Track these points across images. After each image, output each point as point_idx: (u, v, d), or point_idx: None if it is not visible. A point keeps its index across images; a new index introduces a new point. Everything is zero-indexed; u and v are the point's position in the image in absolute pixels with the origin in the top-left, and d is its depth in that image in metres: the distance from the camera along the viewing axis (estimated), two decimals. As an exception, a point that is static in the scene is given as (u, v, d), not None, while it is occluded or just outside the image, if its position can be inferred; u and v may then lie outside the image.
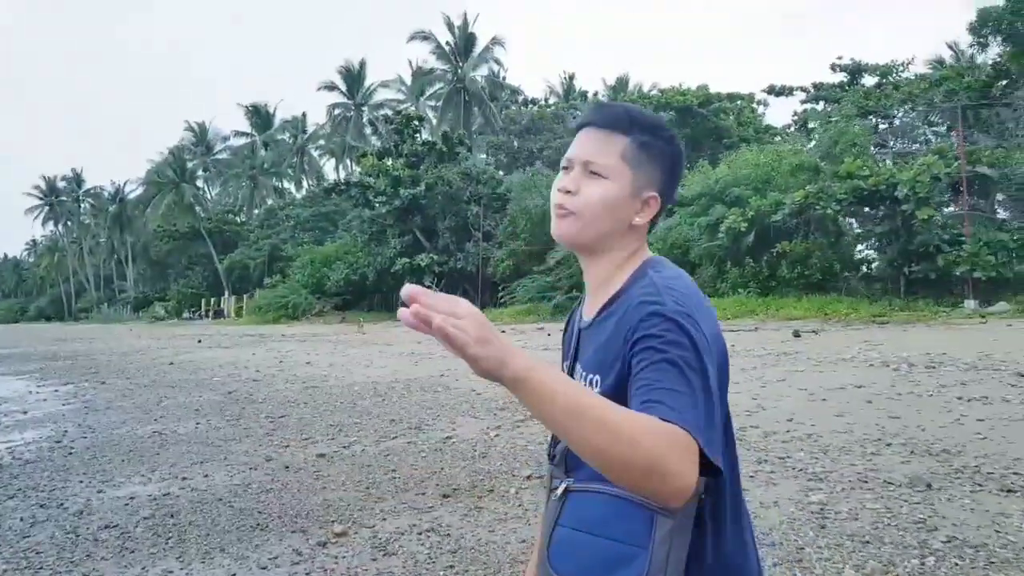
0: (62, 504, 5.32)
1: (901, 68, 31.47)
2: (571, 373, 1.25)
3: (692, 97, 35.52)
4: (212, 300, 57.69)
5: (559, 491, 1.14)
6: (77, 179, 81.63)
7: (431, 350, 17.83)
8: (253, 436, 7.68)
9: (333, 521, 4.57)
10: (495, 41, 47.54)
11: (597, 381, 1.14)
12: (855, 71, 34.62)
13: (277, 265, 50.95)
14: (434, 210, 37.30)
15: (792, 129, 36.68)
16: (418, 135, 40.16)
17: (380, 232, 38.78)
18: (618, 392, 1.06)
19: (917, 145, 26.80)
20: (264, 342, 25.00)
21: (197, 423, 8.79)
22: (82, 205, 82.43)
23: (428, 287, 0.91)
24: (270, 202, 64.19)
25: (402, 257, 35.90)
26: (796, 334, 14.93)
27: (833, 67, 35.08)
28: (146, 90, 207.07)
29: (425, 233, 37.63)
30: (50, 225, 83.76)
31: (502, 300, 31.21)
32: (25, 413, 10.50)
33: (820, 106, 36.77)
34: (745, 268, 23.29)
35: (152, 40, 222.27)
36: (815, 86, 36.13)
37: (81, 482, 5.99)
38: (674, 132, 1.25)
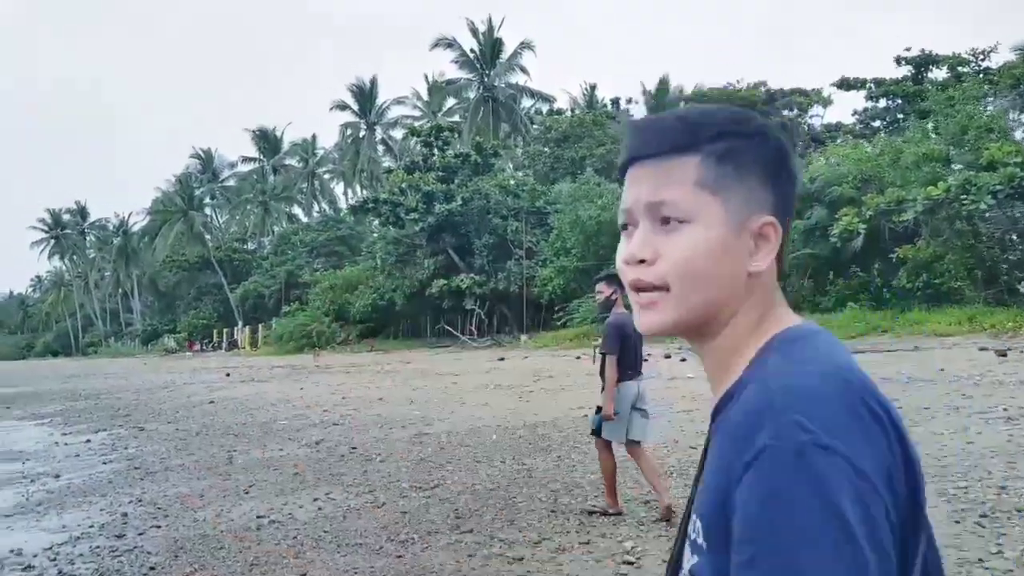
0: None
1: (982, 57, 28.82)
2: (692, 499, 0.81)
3: (752, 95, 32.71)
4: (225, 331, 54.87)
5: None
6: (82, 211, 78.98)
7: (519, 382, 15.09)
8: (438, 533, 4.83)
9: None
10: (524, 45, 44.68)
11: (698, 529, 0.72)
12: (922, 63, 31.95)
13: (294, 292, 48.26)
14: (469, 227, 34.55)
15: (856, 128, 34.07)
16: (448, 147, 37.55)
17: (408, 253, 36.05)
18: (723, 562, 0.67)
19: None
20: (302, 375, 22.27)
21: (316, 500, 5.98)
22: (87, 238, 79.79)
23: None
24: (277, 229, 61.56)
25: (437, 279, 33.06)
26: (1002, 353, 11.93)
27: (898, 60, 32.39)
28: (148, 117, 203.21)
29: (459, 252, 34.85)
30: (56, 260, 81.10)
31: (558, 322, 28.31)
32: (58, 478, 7.76)
33: (882, 104, 34.37)
34: (852, 278, 20.47)
35: (151, 65, 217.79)
36: (876, 82, 33.56)
37: (203, 656, 3.19)
38: (761, 118, 0.80)
